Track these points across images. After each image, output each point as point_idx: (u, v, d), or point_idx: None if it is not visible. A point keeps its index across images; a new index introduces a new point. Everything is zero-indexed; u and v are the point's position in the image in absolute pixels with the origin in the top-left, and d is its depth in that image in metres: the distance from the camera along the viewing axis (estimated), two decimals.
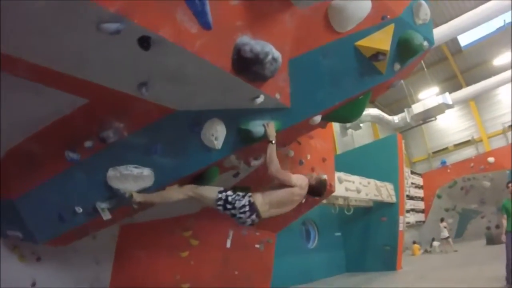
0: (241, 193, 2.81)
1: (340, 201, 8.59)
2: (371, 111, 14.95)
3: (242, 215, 2.73)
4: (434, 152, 19.67)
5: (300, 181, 2.95)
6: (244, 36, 2.11)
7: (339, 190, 7.90)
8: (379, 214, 10.34)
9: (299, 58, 2.61)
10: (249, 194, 2.78)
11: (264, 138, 2.74)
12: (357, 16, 2.66)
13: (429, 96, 15.08)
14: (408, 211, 13.93)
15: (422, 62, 15.50)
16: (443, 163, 16.41)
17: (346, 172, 9.00)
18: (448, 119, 18.71)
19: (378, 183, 9.66)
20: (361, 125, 15.09)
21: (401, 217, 10.13)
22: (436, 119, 15.00)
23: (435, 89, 16.83)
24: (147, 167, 2.79)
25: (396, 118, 15.46)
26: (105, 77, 2.20)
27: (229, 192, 2.81)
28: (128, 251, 4.41)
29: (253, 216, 2.76)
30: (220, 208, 2.79)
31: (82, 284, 3.98)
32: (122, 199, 2.80)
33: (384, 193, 9.74)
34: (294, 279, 8.57)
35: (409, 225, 14.07)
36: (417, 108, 14.35)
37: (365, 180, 9.13)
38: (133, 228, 4.60)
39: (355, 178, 8.75)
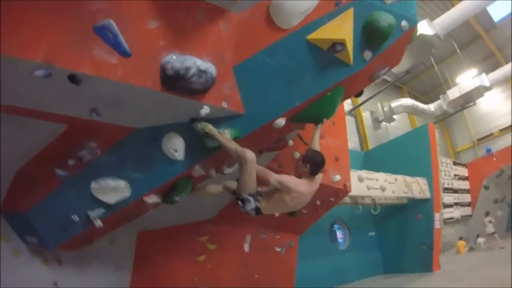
0: (257, 197, 2.66)
1: (366, 200, 8.16)
2: (403, 101, 13.90)
3: (248, 212, 2.71)
4: (479, 139, 17.42)
5: (282, 178, 2.62)
6: (169, 55, 2.12)
7: (360, 189, 7.38)
8: (414, 211, 9.41)
9: (245, 63, 2.51)
10: (259, 198, 2.66)
11: (218, 150, 2.70)
12: (303, 8, 2.44)
13: (467, 79, 13.41)
14: (452, 206, 12.58)
15: (454, 43, 14.03)
16: (488, 150, 14.27)
17: (376, 169, 8.47)
18: (491, 102, 16.53)
19: (408, 178, 8.81)
20: (394, 116, 14.08)
21: (436, 214, 9.07)
22: (475, 103, 13.43)
23: (473, 71, 14.89)
24: (123, 180, 2.95)
25: (432, 106, 14.20)
26: (62, 108, 2.49)
27: (251, 198, 2.62)
28: (146, 256, 4.64)
29: (258, 215, 2.75)
30: (234, 196, 2.74)
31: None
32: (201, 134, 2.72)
33: (415, 189, 8.86)
34: (323, 281, 8.11)
35: (455, 220, 12.68)
36: (452, 93, 12.95)
37: (391, 177, 8.40)
38: (150, 235, 4.84)
39: (379, 176, 8.09)
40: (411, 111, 14.15)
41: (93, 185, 3.02)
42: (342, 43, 2.43)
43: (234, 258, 5.44)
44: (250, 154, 2.51)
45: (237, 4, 2.32)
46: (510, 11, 13.15)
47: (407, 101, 13.97)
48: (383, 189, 7.94)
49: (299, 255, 6.72)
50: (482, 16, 13.66)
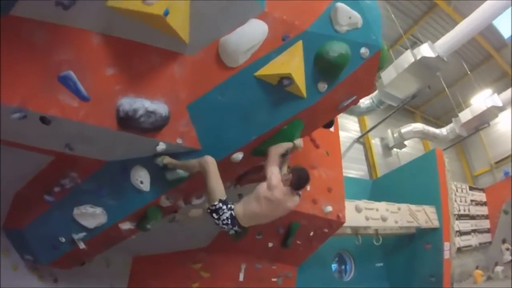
0: (230, 205, 2.63)
1: (369, 231, 7.84)
2: (413, 126, 13.36)
3: (224, 226, 2.63)
4: (496, 162, 16.33)
5: (272, 180, 2.59)
6: (123, 98, 2.34)
7: (358, 219, 7.08)
8: (422, 241, 8.84)
9: (199, 101, 2.62)
10: (232, 207, 2.62)
11: (182, 181, 2.89)
12: (247, 46, 2.47)
13: (480, 100, 12.80)
14: (469, 233, 11.84)
15: (464, 65, 13.63)
16: (506, 173, 13.49)
17: (385, 197, 8.21)
18: (507, 123, 15.42)
19: (413, 207, 8.34)
20: (405, 142, 13.61)
21: (446, 244, 8.50)
22: (489, 125, 12.77)
23: (487, 91, 14.17)
24: (99, 207, 3.17)
25: (444, 130, 13.52)
26: (42, 143, 2.78)
27: (224, 206, 2.59)
28: (141, 281, 4.81)
29: (235, 227, 2.64)
30: (208, 211, 2.68)
31: None
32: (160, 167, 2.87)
33: (421, 218, 8.33)
34: None
35: (473, 248, 11.76)
36: (465, 116, 12.39)
37: (393, 206, 7.99)
38: (145, 260, 5.01)
39: (380, 205, 7.72)
40: (422, 136, 13.63)
41: (75, 210, 3.25)
42: (288, 78, 2.45)
43: (228, 287, 5.41)
44: (209, 157, 2.59)
45: (189, 47, 2.47)
46: None
47: (418, 126, 13.48)
48: (384, 219, 7.56)
49: (300, 287, 6.56)
50: (492, 34, 13.19)
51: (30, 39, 2.21)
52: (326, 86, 2.64)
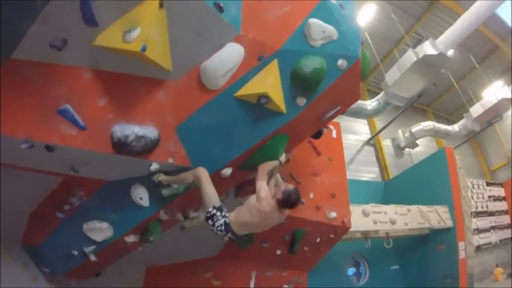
0: (224, 212, 2.75)
1: (379, 234, 7.75)
2: (424, 125, 13.03)
3: (219, 232, 2.73)
4: None
5: (261, 193, 2.70)
6: (116, 125, 2.55)
7: (366, 224, 7.01)
8: (436, 241, 8.61)
9: (185, 123, 2.78)
10: (227, 214, 2.73)
11: (177, 196, 3.11)
12: (225, 70, 2.59)
13: (491, 93, 12.27)
14: (488, 230, 11.45)
15: (472, 58, 13.29)
16: None
17: (397, 199, 8.14)
18: None
19: (424, 208, 8.15)
20: (417, 141, 13.29)
21: (461, 243, 8.22)
22: (502, 118, 12.35)
23: (499, 83, 13.65)
24: (106, 222, 3.42)
25: (456, 127, 13.16)
26: (50, 167, 3.05)
27: (218, 212, 2.71)
28: None
29: (229, 234, 2.74)
30: (204, 218, 2.80)
31: None
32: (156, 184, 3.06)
33: (433, 219, 8.13)
34: None
35: (493, 246, 11.35)
36: (476, 110, 12.04)
37: (403, 208, 7.83)
38: (158, 270, 5.25)
39: (388, 208, 7.59)
40: (434, 134, 13.26)
41: (85, 226, 3.51)
42: (265, 96, 2.55)
43: None
44: (201, 168, 2.77)
45: (172, 73, 2.63)
46: None
47: (428, 124, 13.15)
48: (392, 222, 7.43)
49: None
50: (496, 23, 12.76)
51: (30, 78, 2.46)
52: (304, 100, 2.73)
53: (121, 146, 2.56)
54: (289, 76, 2.62)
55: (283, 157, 2.98)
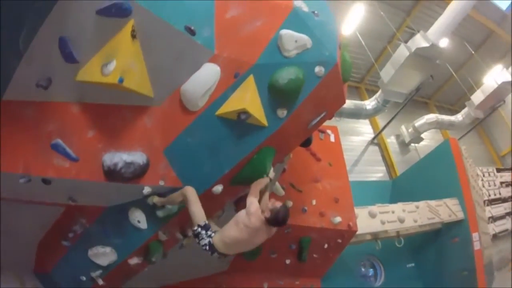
0: (210, 232, 2.76)
1: (390, 233, 7.61)
2: (426, 118, 12.76)
3: (204, 251, 2.78)
4: None
5: (250, 208, 2.73)
6: (106, 154, 2.63)
7: (373, 225, 6.84)
8: (449, 235, 8.32)
9: (172, 145, 2.84)
10: (212, 234, 2.75)
11: (172, 216, 3.19)
12: (202, 91, 2.63)
13: (491, 78, 11.86)
14: (503, 217, 11.06)
15: (468, 45, 13.08)
16: None
17: (407, 196, 7.95)
18: None
19: (433, 202, 7.91)
20: (422, 135, 13.06)
21: (474, 234, 7.97)
22: (505, 102, 11.98)
23: (498, 67, 12.96)
24: (108, 246, 3.49)
25: (459, 116, 12.83)
26: (50, 198, 3.15)
27: (203, 231, 2.75)
28: None
29: (215, 254, 2.77)
30: (191, 234, 2.91)
31: None
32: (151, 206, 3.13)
33: (443, 213, 7.90)
34: None
35: (510, 232, 10.80)
36: (477, 97, 11.68)
37: (411, 205, 7.61)
38: None
39: (395, 207, 7.37)
40: (438, 126, 13.02)
41: (89, 251, 3.60)
42: (244, 112, 2.58)
43: None
44: (189, 187, 2.83)
45: (155, 99, 2.71)
46: None
47: (431, 116, 12.90)
48: (401, 221, 7.25)
49: None
50: (489, 9, 12.60)
51: (23, 117, 2.57)
52: (285, 111, 2.74)
53: (111, 174, 2.64)
54: (267, 90, 2.65)
55: (271, 172, 3.01)
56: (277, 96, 2.66)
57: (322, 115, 3.24)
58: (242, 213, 2.78)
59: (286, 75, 2.55)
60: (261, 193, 3.00)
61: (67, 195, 3.07)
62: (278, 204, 2.75)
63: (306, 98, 2.78)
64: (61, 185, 2.84)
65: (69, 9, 2.13)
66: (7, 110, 2.52)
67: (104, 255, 3.58)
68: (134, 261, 3.61)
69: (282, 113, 2.74)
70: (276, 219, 2.69)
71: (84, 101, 2.62)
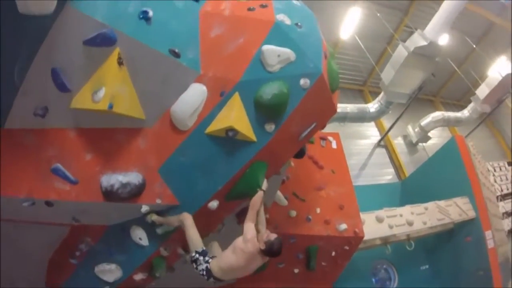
0: (207, 258, 2.84)
1: (400, 237, 7.44)
2: (432, 116, 12.56)
3: (201, 276, 2.83)
4: None
5: (247, 235, 2.76)
6: (103, 176, 2.73)
7: (381, 230, 6.74)
8: (462, 234, 8.10)
9: (166, 164, 2.90)
10: (209, 260, 2.81)
11: (171, 233, 3.24)
12: (190, 111, 2.69)
13: (495, 71, 11.63)
14: None
15: (469, 40, 12.70)
16: None
17: (417, 197, 7.86)
18: None
19: (442, 203, 7.73)
20: (429, 134, 12.84)
21: (487, 232, 7.74)
22: (511, 93, 11.63)
23: (502, 58, 12.74)
24: (113, 263, 3.58)
25: (466, 112, 12.61)
26: (54, 219, 3.27)
27: (201, 257, 2.82)
28: None
29: (211, 279, 2.82)
30: (189, 260, 2.96)
31: None
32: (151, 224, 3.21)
33: (453, 212, 7.69)
34: None
35: None
36: (482, 91, 11.44)
37: (419, 207, 7.45)
38: None
39: (403, 210, 7.24)
40: (444, 124, 12.77)
41: (96, 269, 3.70)
42: (232, 129, 2.62)
43: None
44: (185, 213, 2.93)
45: (146, 121, 2.81)
46: None
47: (437, 114, 12.67)
48: (410, 224, 7.10)
49: None
50: (486, 1, 12.26)
51: (24, 144, 2.70)
52: (273, 126, 2.76)
53: (109, 195, 2.74)
54: (253, 106, 2.68)
55: (264, 184, 3.03)
56: (263, 111, 2.69)
57: (312, 126, 3.23)
58: (239, 239, 2.82)
59: (269, 90, 2.57)
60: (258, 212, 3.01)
61: (71, 215, 3.18)
62: (273, 236, 2.78)
63: (293, 111, 2.79)
64: (64, 207, 2.94)
65: (58, 42, 2.25)
66: (9, 138, 2.65)
67: (110, 271, 3.67)
68: (139, 276, 3.68)
69: (270, 127, 2.77)
70: (271, 251, 2.74)
71: (80, 126, 2.73)
